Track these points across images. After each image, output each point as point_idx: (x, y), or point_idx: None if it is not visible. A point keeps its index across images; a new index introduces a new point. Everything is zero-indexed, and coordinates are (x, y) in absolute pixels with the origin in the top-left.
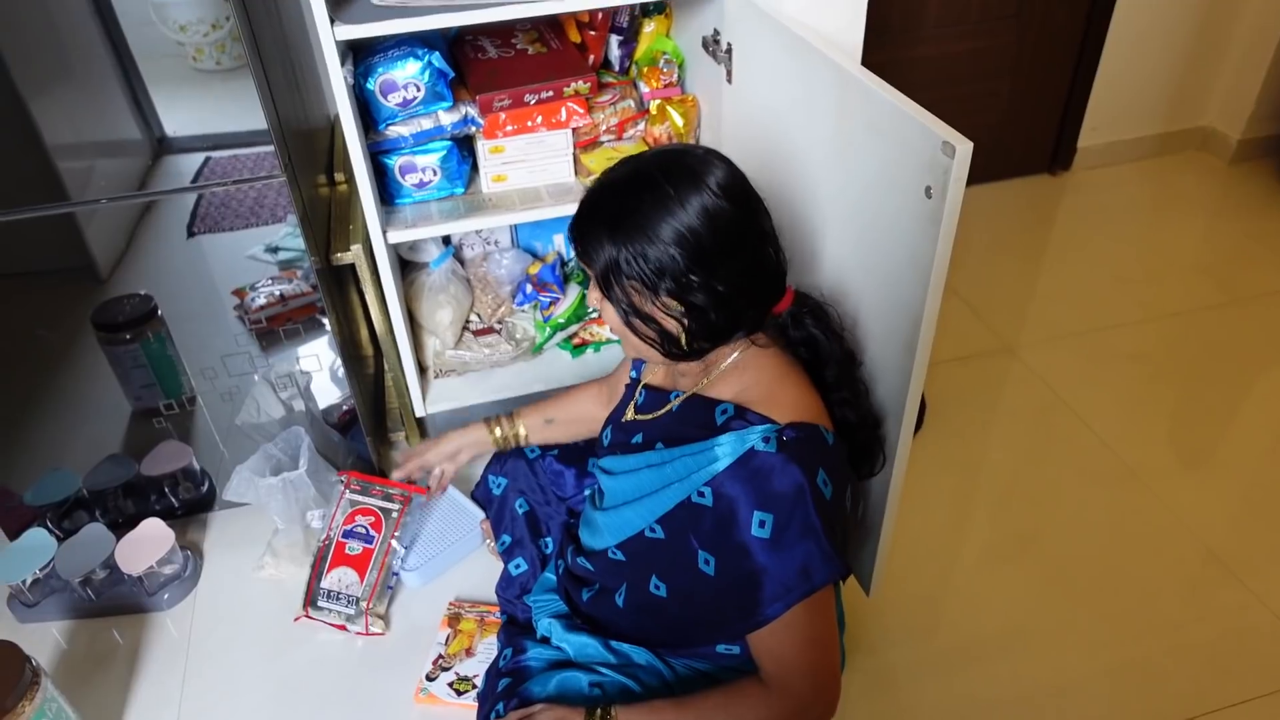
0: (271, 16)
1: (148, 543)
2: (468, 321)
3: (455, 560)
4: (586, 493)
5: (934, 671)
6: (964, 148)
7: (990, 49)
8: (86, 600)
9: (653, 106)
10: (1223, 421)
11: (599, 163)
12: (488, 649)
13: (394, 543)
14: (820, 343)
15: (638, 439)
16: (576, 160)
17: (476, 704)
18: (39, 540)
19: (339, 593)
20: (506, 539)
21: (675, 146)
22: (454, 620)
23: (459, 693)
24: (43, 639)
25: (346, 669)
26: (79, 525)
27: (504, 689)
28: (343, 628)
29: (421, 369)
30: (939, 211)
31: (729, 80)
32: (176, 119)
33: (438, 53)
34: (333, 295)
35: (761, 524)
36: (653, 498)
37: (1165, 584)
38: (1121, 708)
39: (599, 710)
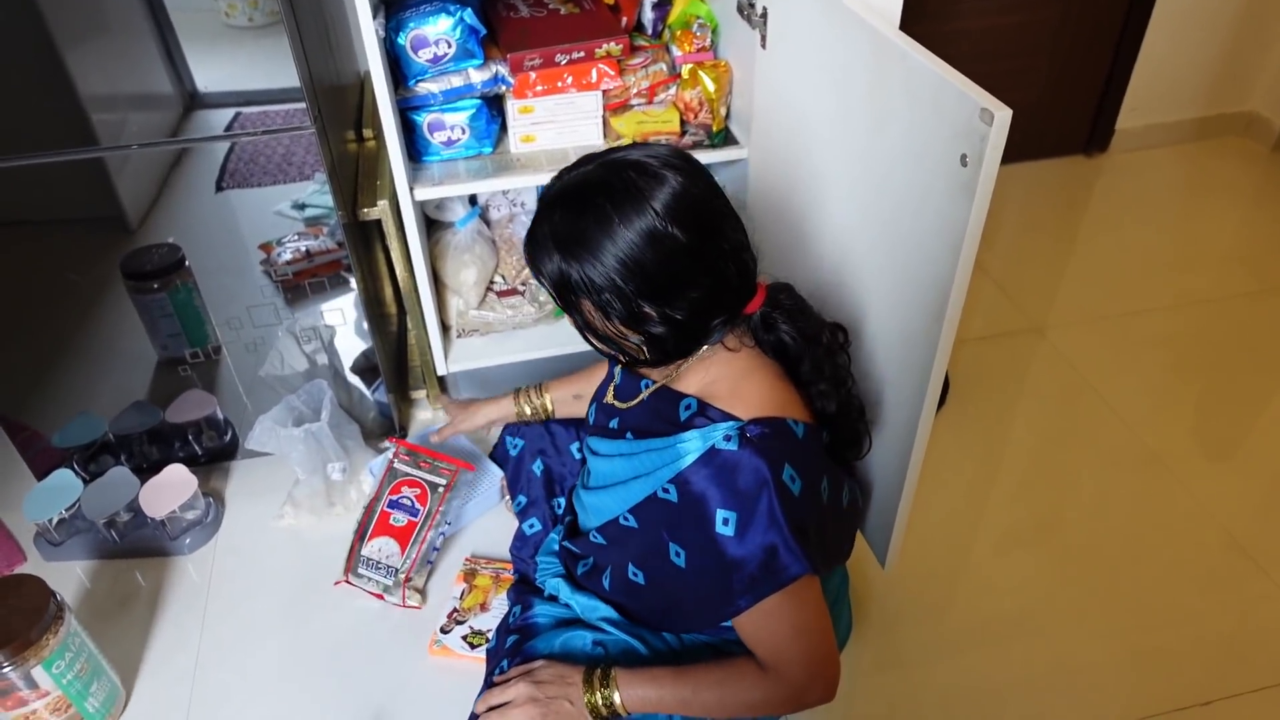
0: None
1: (171, 488)
2: (492, 282)
3: (474, 516)
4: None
5: (946, 650)
6: (1002, 114)
7: (1031, 24)
8: (110, 541)
9: (684, 71)
10: (1251, 411)
11: (628, 126)
12: (502, 604)
13: (439, 518)
14: (789, 346)
15: (614, 424)
16: (606, 123)
17: (486, 659)
18: (66, 481)
19: (379, 562)
20: (523, 499)
21: (629, 155)
22: (470, 575)
23: (472, 646)
24: (67, 577)
25: (361, 619)
26: (105, 468)
27: (511, 646)
28: (380, 597)
29: (445, 328)
30: (974, 180)
31: (763, 46)
32: (208, 74)
33: (470, 9)
34: (358, 251)
35: (725, 521)
36: (624, 487)
37: (1186, 572)
38: (1135, 693)
39: (599, 670)
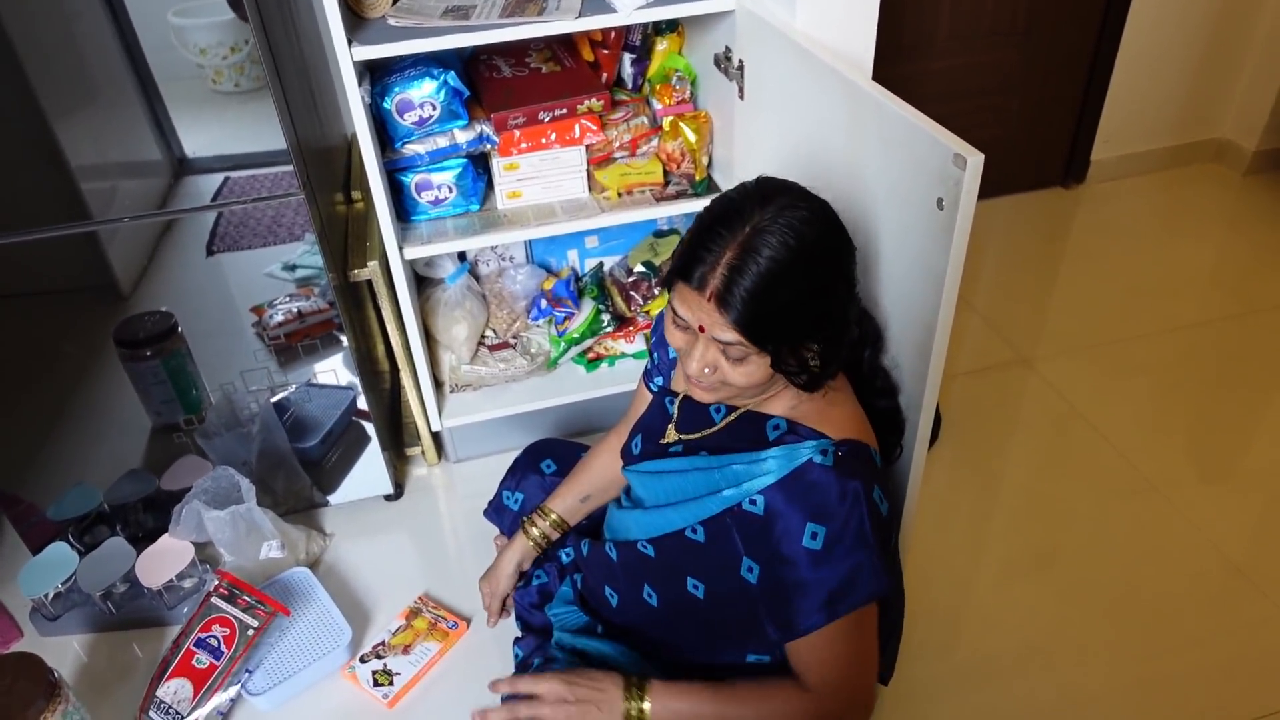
0: (290, 38)
1: (168, 557)
2: (483, 337)
3: (311, 682)
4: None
5: (952, 687)
6: (975, 159)
7: (1001, 63)
8: (107, 614)
9: (665, 123)
10: (1243, 433)
11: (612, 178)
12: (423, 654)
13: (239, 666)
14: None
15: (677, 448)
16: (590, 176)
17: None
18: (61, 554)
19: (170, 706)
20: None
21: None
22: (412, 615)
23: (376, 684)
24: (64, 652)
25: (352, 691)
26: (100, 540)
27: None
28: None
29: (438, 384)
30: (951, 222)
31: (741, 96)
32: (196, 140)
33: (453, 72)
34: (350, 312)
35: (814, 536)
36: (699, 502)
37: (1186, 599)
38: None
39: (635, 677)
